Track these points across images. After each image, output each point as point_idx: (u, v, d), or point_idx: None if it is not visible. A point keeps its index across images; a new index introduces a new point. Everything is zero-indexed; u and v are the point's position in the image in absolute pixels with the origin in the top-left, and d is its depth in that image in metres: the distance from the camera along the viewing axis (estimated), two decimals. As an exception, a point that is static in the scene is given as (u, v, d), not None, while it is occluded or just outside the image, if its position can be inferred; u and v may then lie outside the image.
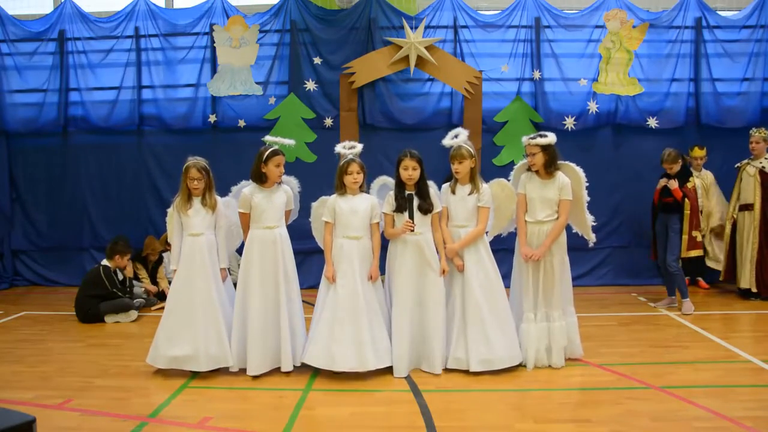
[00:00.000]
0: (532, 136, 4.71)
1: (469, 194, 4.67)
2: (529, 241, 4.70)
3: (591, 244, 4.91)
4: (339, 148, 4.79)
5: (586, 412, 3.87)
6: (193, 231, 4.66)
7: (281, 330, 4.56)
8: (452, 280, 4.69)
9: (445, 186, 4.82)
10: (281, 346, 4.57)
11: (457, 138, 4.70)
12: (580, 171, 4.74)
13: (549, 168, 4.66)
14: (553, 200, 4.67)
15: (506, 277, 4.86)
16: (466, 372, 4.52)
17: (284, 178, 4.81)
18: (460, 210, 4.69)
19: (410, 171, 4.56)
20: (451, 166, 4.70)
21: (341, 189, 4.69)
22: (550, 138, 4.63)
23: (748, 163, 7.05)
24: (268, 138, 4.77)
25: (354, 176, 4.61)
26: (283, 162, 4.66)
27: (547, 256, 4.64)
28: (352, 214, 4.62)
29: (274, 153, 4.60)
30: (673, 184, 6.33)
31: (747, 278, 6.93)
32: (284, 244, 4.67)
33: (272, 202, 4.64)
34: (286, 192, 4.75)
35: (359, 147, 4.76)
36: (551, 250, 4.65)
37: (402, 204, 4.59)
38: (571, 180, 4.69)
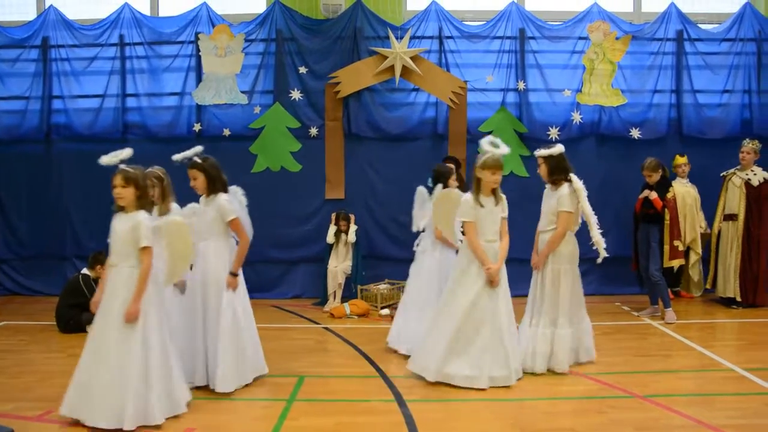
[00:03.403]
0: (540, 148, 4.92)
1: (495, 206, 4.61)
2: None
3: (599, 260, 4.96)
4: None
5: (570, 422, 3.88)
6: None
7: (195, 341, 4.37)
8: (482, 292, 4.54)
9: (468, 199, 4.61)
10: (200, 361, 4.38)
11: (499, 148, 4.56)
12: (578, 182, 4.83)
13: (551, 177, 4.83)
14: (554, 210, 4.79)
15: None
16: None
17: (231, 188, 4.58)
18: (489, 224, 4.58)
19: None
20: (487, 175, 4.51)
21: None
22: (552, 150, 4.81)
23: (735, 173, 7.13)
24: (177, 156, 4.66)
25: (118, 190, 3.99)
26: (196, 175, 4.49)
27: (545, 265, 4.81)
28: (114, 235, 3.97)
29: (187, 167, 4.50)
30: (653, 195, 6.39)
31: (732, 288, 6.99)
32: (207, 258, 4.40)
33: (200, 217, 4.50)
34: (216, 204, 4.45)
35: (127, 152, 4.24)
36: (547, 259, 4.80)
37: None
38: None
